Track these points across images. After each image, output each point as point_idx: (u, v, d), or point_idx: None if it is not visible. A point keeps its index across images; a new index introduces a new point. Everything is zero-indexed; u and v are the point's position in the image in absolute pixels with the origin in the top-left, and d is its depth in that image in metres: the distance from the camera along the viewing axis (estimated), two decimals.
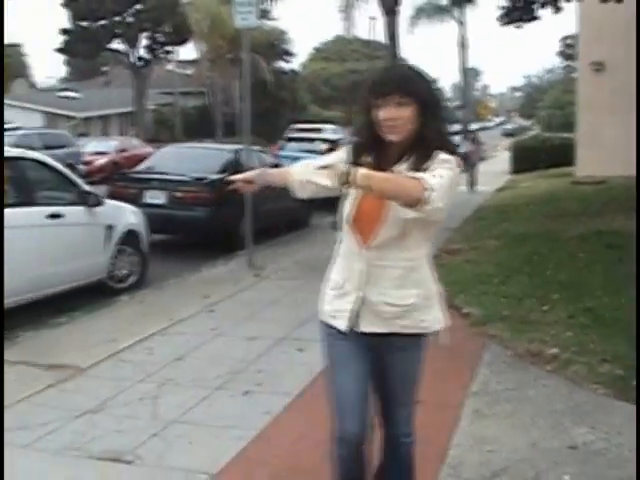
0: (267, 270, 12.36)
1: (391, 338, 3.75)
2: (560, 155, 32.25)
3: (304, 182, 3.90)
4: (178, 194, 14.27)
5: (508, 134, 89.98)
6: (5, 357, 7.61)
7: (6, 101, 50.35)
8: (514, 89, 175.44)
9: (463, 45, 40.77)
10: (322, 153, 22.41)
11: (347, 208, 3.72)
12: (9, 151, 9.82)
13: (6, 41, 77.19)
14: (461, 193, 22.40)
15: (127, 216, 11.37)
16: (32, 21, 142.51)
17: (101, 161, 31.35)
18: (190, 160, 15.75)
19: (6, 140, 23.96)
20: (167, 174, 14.79)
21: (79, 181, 10.57)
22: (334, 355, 3.85)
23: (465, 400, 6.37)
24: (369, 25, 56.13)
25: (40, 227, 9.34)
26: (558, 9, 22.15)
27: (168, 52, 56.07)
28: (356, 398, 3.81)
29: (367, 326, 3.73)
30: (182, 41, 53.70)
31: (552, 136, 39.98)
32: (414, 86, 3.55)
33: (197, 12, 50.89)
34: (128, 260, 11.17)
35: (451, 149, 3.63)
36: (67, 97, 54.96)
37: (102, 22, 50.75)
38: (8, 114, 44.15)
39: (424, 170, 3.45)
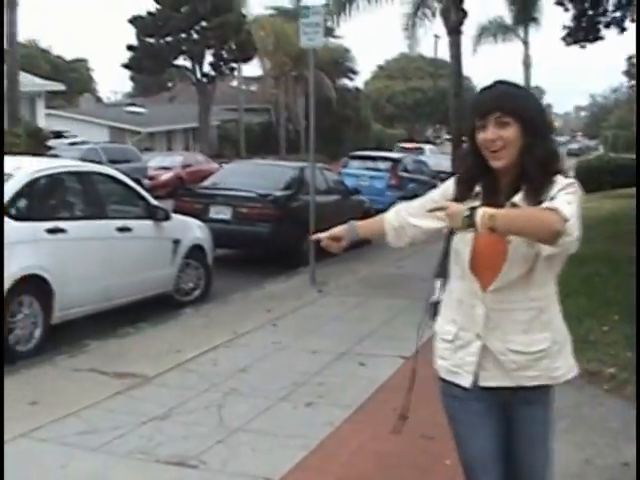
0: (329, 286, 12.52)
1: (516, 393, 3.35)
2: (625, 175, 32.00)
3: (402, 228, 3.62)
4: (243, 210, 14.51)
5: (573, 154, 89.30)
6: (74, 365, 7.93)
7: (73, 115, 51.34)
8: (579, 108, 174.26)
9: (527, 64, 40.71)
10: (384, 170, 22.60)
11: (460, 251, 3.34)
12: (82, 166, 10.18)
13: (73, 56, 78.73)
14: None
15: (193, 231, 11.62)
16: (98, 37, 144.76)
17: (166, 176, 31.71)
18: (255, 176, 16.00)
19: (72, 154, 24.61)
20: (232, 190, 15.06)
21: (147, 196, 10.86)
22: (459, 419, 3.46)
23: None
24: (434, 43, 55.99)
25: (109, 240, 9.63)
26: (623, 29, 22.14)
27: (233, 69, 56.58)
28: (490, 461, 3.41)
29: (489, 380, 3.34)
30: (247, 58, 54.21)
31: (617, 156, 39.69)
32: (516, 103, 3.21)
33: (262, 30, 51.51)
34: (194, 274, 11.42)
35: (564, 172, 3.29)
36: (133, 112, 55.75)
37: (168, 39, 51.41)
38: (74, 128, 45.02)
39: (545, 199, 3.12)
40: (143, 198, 10.66)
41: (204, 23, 51.16)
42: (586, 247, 13.83)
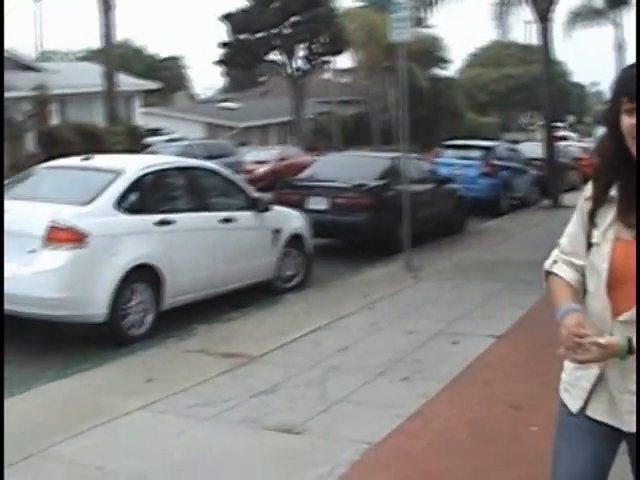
0: (424, 271, 12.88)
1: (624, 437, 2.93)
2: None
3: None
4: (339, 200, 14.95)
5: None
6: (184, 347, 8.50)
7: (168, 113, 52.45)
8: None
9: (620, 48, 40.24)
10: (477, 159, 22.78)
11: (597, 259, 2.87)
12: (186, 162, 10.78)
13: (166, 54, 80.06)
14: None
15: (292, 221, 12.08)
16: (191, 35, 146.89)
17: (262, 170, 32.13)
18: (350, 168, 16.42)
19: (170, 150, 25.37)
20: (328, 181, 15.53)
21: (248, 188, 11.37)
22: (561, 430, 3.08)
23: None
24: (525, 29, 55.58)
25: (214, 230, 10.16)
26: None
27: (325, 62, 57.00)
28: None
29: (599, 413, 2.93)
30: (338, 51, 54.53)
31: None
32: None
33: (353, 22, 51.74)
34: (293, 262, 11.89)
35: None
36: (227, 108, 56.58)
37: (260, 34, 52.09)
38: (170, 125, 46.08)
39: None
40: (244, 191, 11.18)
41: (295, 18, 51.71)
42: None
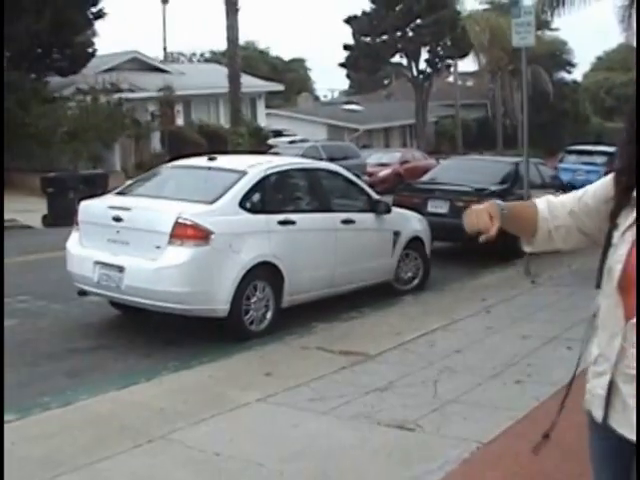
0: (542, 277, 12.84)
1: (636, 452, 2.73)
2: None
3: (557, 228, 3.03)
4: (460, 204, 14.95)
5: None
6: (303, 343, 8.76)
7: (291, 114, 53.02)
8: None
9: None
10: (600, 164, 22.48)
11: (613, 268, 2.78)
12: (308, 163, 11.06)
13: (290, 56, 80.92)
14: None
15: (412, 223, 12.21)
16: (315, 37, 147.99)
17: (384, 172, 32.24)
18: (471, 172, 16.45)
19: (293, 152, 25.76)
20: (449, 185, 15.59)
21: (369, 190, 11.56)
22: (591, 445, 3.05)
23: None
24: None
25: (335, 231, 10.37)
26: None
27: (449, 65, 56.84)
28: None
29: (618, 423, 2.81)
30: (462, 54, 54.29)
31: None
32: None
33: (477, 25, 51.49)
34: (412, 264, 12.01)
35: None
36: (350, 110, 56.90)
37: (383, 37, 52.23)
38: (293, 126, 46.62)
39: None
40: (365, 192, 11.37)
41: (419, 21, 51.70)
42: None
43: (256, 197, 9.51)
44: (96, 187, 21.40)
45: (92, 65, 31.27)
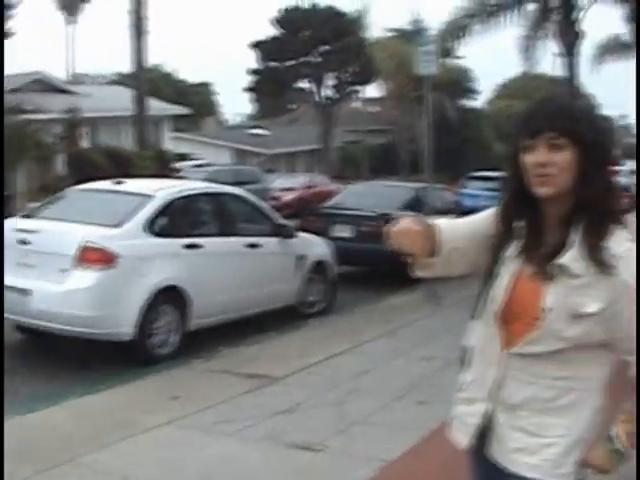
0: (447, 300, 13.03)
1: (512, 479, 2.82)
2: None
3: (456, 249, 2.94)
4: (364, 228, 15.16)
5: None
6: (209, 367, 8.75)
7: (197, 138, 52.94)
8: None
9: None
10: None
11: (495, 296, 2.81)
12: (215, 187, 11.11)
13: (196, 80, 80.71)
14: None
15: (317, 248, 12.32)
16: (221, 61, 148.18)
17: (289, 197, 32.41)
18: (376, 197, 16.66)
19: (198, 176, 25.67)
20: (354, 210, 15.77)
21: (274, 215, 11.64)
22: (470, 474, 3.09)
23: None
24: (553, 61, 55.67)
25: (240, 255, 10.44)
26: None
27: (354, 91, 57.43)
28: None
29: (494, 453, 2.87)
30: (368, 80, 54.96)
31: None
32: (574, 124, 2.63)
33: (382, 52, 52.17)
34: (317, 288, 12.12)
35: (621, 220, 2.72)
36: (256, 134, 57.04)
37: (290, 62, 52.68)
38: (199, 150, 46.54)
39: (608, 268, 2.58)
40: (270, 217, 11.45)
41: (325, 47, 52.25)
42: None
43: (163, 221, 9.51)
44: None
45: None
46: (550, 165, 2.62)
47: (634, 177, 31.54)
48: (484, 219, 2.97)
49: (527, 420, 2.75)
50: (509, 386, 2.77)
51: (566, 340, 2.63)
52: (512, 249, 2.80)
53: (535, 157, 2.64)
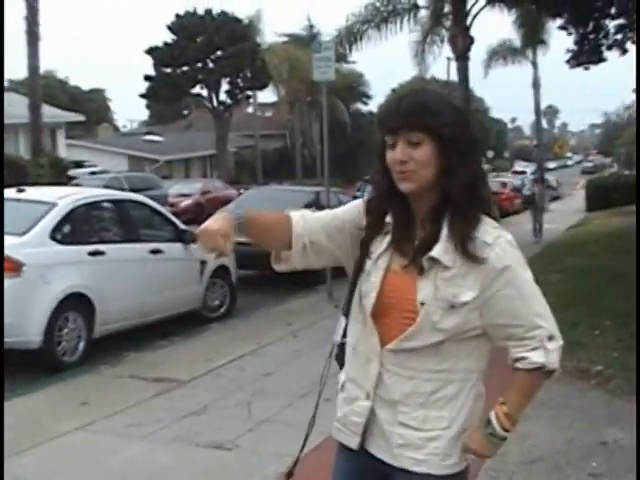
0: (344, 301, 13.35)
1: (398, 475, 2.84)
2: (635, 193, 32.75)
3: (312, 243, 2.89)
4: None
5: (587, 172, 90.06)
6: (116, 373, 8.87)
7: (92, 145, 52.37)
8: (594, 126, 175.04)
9: (536, 85, 41.67)
10: None
11: (365, 293, 2.80)
12: (117, 194, 11.20)
13: (90, 86, 79.80)
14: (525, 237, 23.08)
15: None
16: (114, 67, 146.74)
17: (186, 203, 32.50)
18: (273, 201, 16.83)
19: (95, 183, 25.52)
20: None
21: (176, 220, 11.79)
22: (335, 469, 3.21)
23: None
24: (447, 65, 56.83)
25: (143, 261, 10.56)
26: (625, 51, 23.02)
27: (248, 96, 57.53)
28: None
29: (374, 448, 2.88)
30: (262, 85, 55.11)
31: (629, 174, 40.58)
32: (430, 119, 2.64)
33: (276, 57, 52.51)
34: (219, 292, 12.31)
35: (489, 210, 2.78)
36: (150, 140, 56.72)
37: (184, 68, 52.48)
38: (94, 157, 46.06)
39: (473, 240, 2.65)
40: (172, 223, 11.60)
41: (219, 52, 52.28)
42: (589, 261, 14.77)
43: (66, 228, 9.59)
44: None
45: None
46: (409, 161, 2.64)
47: (531, 178, 32.25)
48: (349, 212, 2.93)
49: (409, 415, 2.76)
50: (389, 382, 2.77)
51: (443, 332, 2.65)
52: (382, 243, 2.80)
53: (394, 154, 2.67)
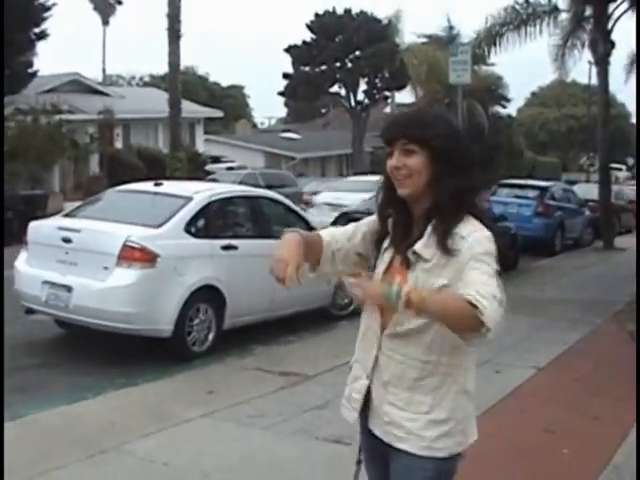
0: None
1: (389, 451, 3.18)
2: None
3: (339, 251, 3.32)
4: None
5: None
6: (243, 365, 9.09)
7: (230, 140, 53.17)
8: None
9: None
10: (532, 198, 23.10)
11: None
12: (251, 190, 11.41)
13: (229, 83, 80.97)
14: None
15: None
16: (254, 65, 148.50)
17: None
18: None
19: (231, 178, 25.94)
20: None
21: (308, 217, 11.95)
22: (361, 448, 3.47)
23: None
24: (588, 69, 55.65)
25: None
26: None
27: (386, 97, 57.54)
28: None
29: (373, 425, 3.23)
30: (400, 86, 54.91)
31: None
32: (423, 131, 3.02)
33: (415, 58, 52.30)
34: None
35: (477, 213, 3.09)
36: (288, 138, 57.24)
37: (322, 67, 52.90)
38: (231, 153, 46.79)
39: (453, 236, 2.98)
40: (304, 220, 11.75)
41: (358, 52, 52.51)
42: None
43: (201, 222, 9.85)
44: (35, 208, 21.50)
45: (32, 85, 31.24)
46: (404, 168, 3.05)
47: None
48: (368, 222, 3.34)
49: (397, 396, 3.10)
50: (383, 364, 3.14)
51: (421, 320, 2.96)
52: (387, 241, 3.22)
53: (391, 161, 3.09)
